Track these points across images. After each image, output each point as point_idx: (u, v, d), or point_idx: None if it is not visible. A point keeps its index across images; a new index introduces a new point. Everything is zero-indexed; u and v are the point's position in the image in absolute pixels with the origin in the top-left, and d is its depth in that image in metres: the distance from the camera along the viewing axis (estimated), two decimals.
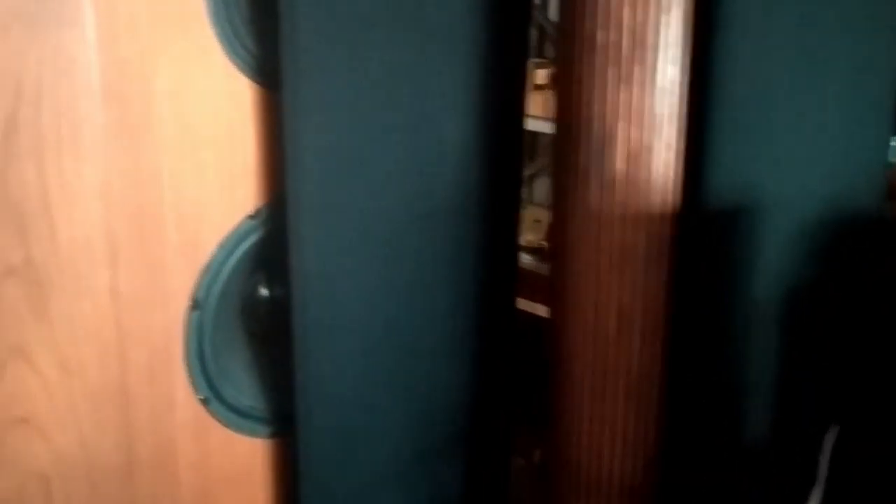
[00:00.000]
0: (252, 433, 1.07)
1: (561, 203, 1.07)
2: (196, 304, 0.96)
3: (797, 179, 1.01)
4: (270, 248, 1.02)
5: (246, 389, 1.06)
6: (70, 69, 0.81)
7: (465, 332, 1.22)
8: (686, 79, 1.00)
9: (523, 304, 1.58)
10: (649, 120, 0.99)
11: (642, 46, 0.97)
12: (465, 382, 1.24)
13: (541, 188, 2.40)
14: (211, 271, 0.96)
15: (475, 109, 1.11)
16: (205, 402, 1.00)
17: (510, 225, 1.29)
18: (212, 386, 1.00)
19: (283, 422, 1.09)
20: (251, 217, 0.98)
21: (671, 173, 1.02)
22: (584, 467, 1.12)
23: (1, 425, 0.87)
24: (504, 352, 1.32)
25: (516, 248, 1.33)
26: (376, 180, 1.01)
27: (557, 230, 1.10)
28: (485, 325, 1.24)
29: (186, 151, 0.91)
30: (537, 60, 2.08)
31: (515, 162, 1.26)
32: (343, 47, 0.93)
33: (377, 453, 1.13)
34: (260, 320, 1.10)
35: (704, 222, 1.04)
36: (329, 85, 0.93)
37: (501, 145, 1.19)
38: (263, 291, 1.09)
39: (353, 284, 1.02)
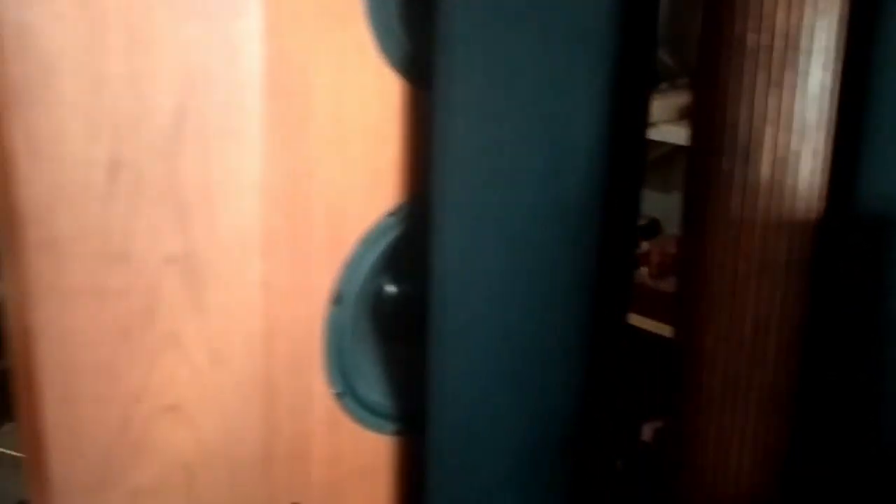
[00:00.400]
0: (379, 429, 1.07)
1: (697, 208, 1.06)
2: (336, 299, 0.97)
3: None
4: (404, 246, 1.02)
5: (374, 385, 1.06)
6: (237, 61, 0.82)
7: (580, 337, 1.21)
8: (837, 85, 0.98)
9: None
10: (798, 125, 0.97)
11: (795, 50, 0.95)
12: (576, 388, 1.23)
13: None
14: (351, 267, 0.97)
15: (606, 115, 1.10)
16: (339, 396, 1.01)
17: (630, 232, 1.28)
18: (347, 381, 1.01)
19: (406, 419, 1.09)
20: (391, 214, 0.98)
21: (817, 180, 1.00)
22: (710, 477, 1.10)
23: (151, 412, 0.88)
24: (614, 359, 1.31)
25: (634, 255, 1.31)
26: (516, 182, 1.01)
27: (690, 236, 1.08)
28: (599, 331, 1.22)
29: (337, 147, 0.91)
30: None
31: (639, 170, 1.25)
32: (494, 48, 0.93)
33: (497, 455, 1.13)
34: (385, 317, 1.10)
35: (850, 231, 1.01)
36: (479, 85, 0.93)
37: (627, 153, 1.18)
38: (390, 289, 1.09)
39: (487, 286, 1.02)
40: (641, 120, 1.22)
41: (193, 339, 0.88)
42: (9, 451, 1.90)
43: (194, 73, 0.80)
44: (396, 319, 1.10)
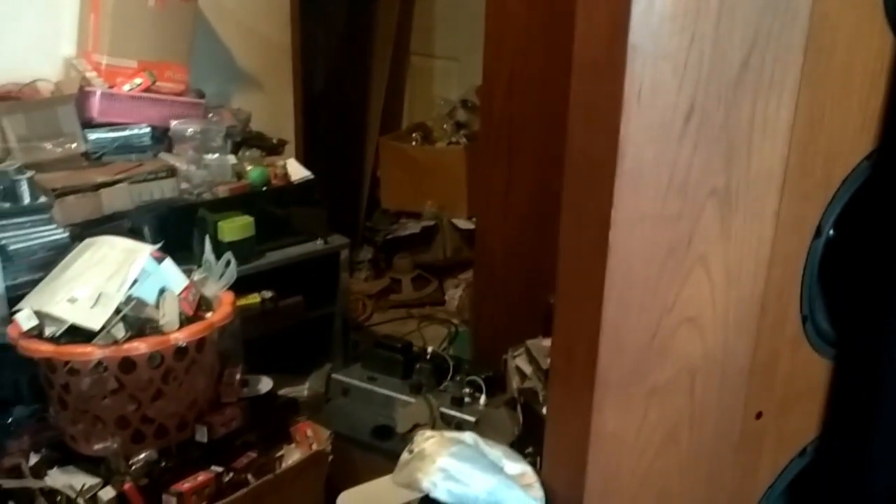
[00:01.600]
0: (823, 353, 1.19)
1: None
2: (818, 232, 1.10)
3: None
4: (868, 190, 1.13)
5: (824, 314, 1.19)
6: (790, 23, 0.96)
7: None
8: None
9: None
10: None
11: None
12: None
13: None
14: (832, 204, 1.09)
15: None
16: (804, 320, 1.14)
17: None
18: (811, 307, 1.14)
19: (842, 346, 1.21)
20: (866, 159, 1.10)
21: None
22: None
23: (676, 322, 1.04)
24: None
25: None
26: None
27: None
28: None
29: (842, 97, 1.04)
30: None
31: None
32: None
33: None
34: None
35: None
36: None
37: None
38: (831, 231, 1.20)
39: None
40: None
41: (717, 261, 1.03)
42: (360, 384, 2.15)
43: (758, 33, 0.94)
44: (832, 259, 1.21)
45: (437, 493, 1.10)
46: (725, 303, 1.06)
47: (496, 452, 1.19)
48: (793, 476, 1.25)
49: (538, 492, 1.14)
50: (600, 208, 0.96)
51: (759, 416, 1.16)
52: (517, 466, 1.18)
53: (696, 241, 1.01)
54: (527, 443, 1.53)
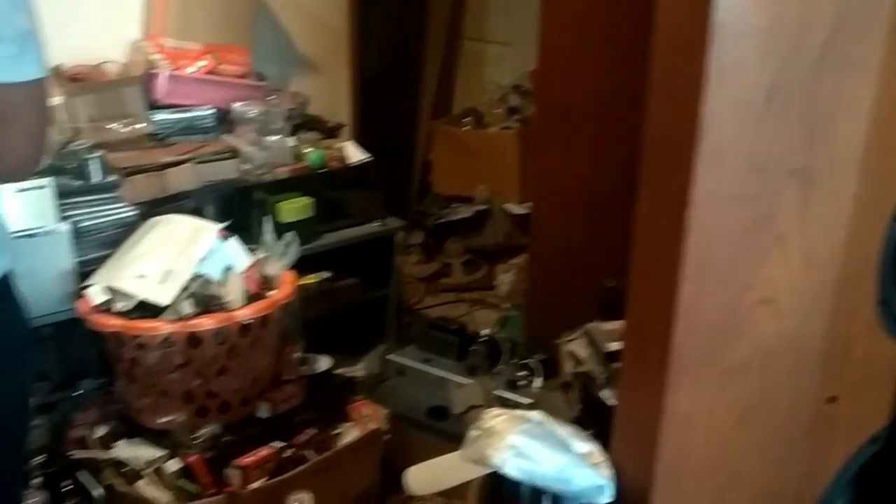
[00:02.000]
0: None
1: None
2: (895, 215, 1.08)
3: None
4: None
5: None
6: (875, 2, 0.94)
7: None
8: None
9: None
10: None
11: None
12: None
13: None
14: None
15: None
16: (881, 303, 1.12)
17: None
18: (888, 290, 1.12)
19: None
20: None
21: None
22: None
23: (753, 303, 1.04)
24: None
25: None
26: None
27: None
28: None
29: None
30: None
31: None
32: None
33: None
34: None
35: None
36: None
37: None
38: None
39: None
40: None
41: (796, 242, 1.02)
42: (415, 365, 2.18)
43: (842, 11, 0.93)
44: None
45: (507, 470, 1.11)
46: (802, 284, 1.05)
47: (564, 431, 1.20)
48: (863, 462, 1.24)
49: (607, 470, 1.14)
50: (679, 187, 0.96)
51: (831, 400, 1.15)
52: (585, 445, 1.18)
53: (775, 222, 1.00)
54: (583, 426, 1.54)
